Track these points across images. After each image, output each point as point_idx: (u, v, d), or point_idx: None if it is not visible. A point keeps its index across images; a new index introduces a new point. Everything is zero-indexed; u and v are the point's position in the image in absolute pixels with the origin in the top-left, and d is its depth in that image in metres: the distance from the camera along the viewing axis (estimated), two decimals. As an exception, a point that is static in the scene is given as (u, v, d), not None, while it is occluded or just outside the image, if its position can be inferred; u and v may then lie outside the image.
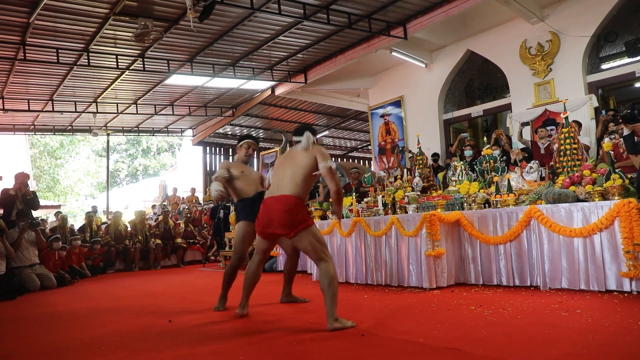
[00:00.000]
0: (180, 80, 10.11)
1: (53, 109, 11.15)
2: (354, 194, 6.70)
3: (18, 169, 8.38)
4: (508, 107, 9.08)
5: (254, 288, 4.08)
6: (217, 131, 14.78)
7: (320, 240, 3.51)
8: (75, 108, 11.43)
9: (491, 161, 5.83)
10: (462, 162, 6.34)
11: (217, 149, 16.47)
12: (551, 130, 7.12)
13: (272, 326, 3.59)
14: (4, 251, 6.55)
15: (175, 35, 7.99)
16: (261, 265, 4.07)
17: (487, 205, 5.16)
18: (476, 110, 9.84)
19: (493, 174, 5.65)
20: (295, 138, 3.74)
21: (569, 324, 3.01)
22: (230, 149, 16.69)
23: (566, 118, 5.19)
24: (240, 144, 4.92)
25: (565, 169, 5.01)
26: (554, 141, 5.87)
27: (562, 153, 5.12)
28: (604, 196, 4.21)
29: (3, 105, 10.59)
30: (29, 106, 10.91)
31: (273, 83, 10.99)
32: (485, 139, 6.83)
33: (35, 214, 7.96)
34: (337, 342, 2.98)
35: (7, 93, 10.14)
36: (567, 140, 5.08)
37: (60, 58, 8.22)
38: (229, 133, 15.70)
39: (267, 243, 3.84)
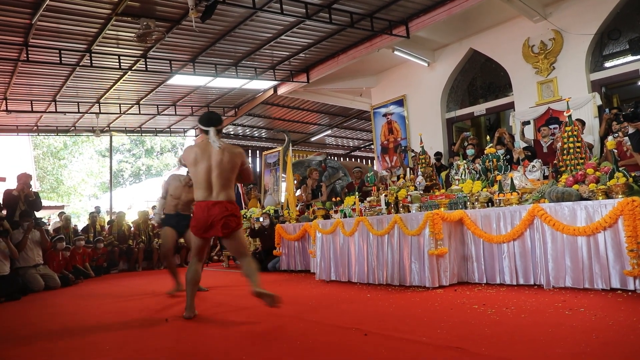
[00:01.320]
0: (182, 80, 10.12)
1: (56, 109, 11.18)
2: (356, 193, 6.70)
3: (22, 170, 8.41)
4: (511, 106, 9.06)
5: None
6: (219, 131, 14.77)
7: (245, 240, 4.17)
8: (78, 109, 11.45)
9: (494, 160, 5.82)
10: (465, 161, 6.33)
11: (220, 148, 16.45)
12: (554, 128, 7.10)
13: (274, 325, 3.60)
14: (8, 252, 6.57)
15: (177, 36, 8.00)
16: (201, 265, 4.26)
17: (490, 204, 5.15)
18: (479, 109, 9.82)
19: (496, 172, 5.64)
20: (202, 127, 3.92)
21: (573, 323, 3.00)
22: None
23: (569, 116, 5.17)
24: None
25: (569, 168, 4.99)
26: (557, 139, 5.85)
27: (565, 151, 5.10)
28: (608, 195, 4.19)
29: (6, 106, 10.62)
30: (32, 107, 10.93)
31: (275, 83, 10.99)
32: (488, 137, 6.81)
33: (39, 214, 7.98)
34: (340, 340, 2.98)
35: (11, 94, 10.17)
36: (571, 139, 5.07)
37: (62, 59, 8.24)
38: (232, 133, 15.70)
39: (203, 241, 4.05)
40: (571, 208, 4.26)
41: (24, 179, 7.70)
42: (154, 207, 12.17)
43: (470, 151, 7.27)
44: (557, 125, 7.11)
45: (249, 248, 3.99)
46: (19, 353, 3.23)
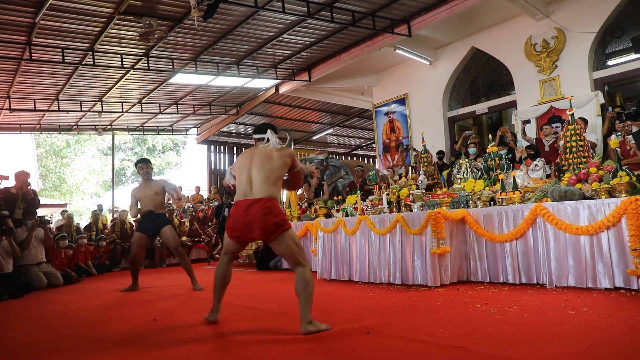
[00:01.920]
0: (184, 79, 10.13)
1: (59, 108, 11.20)
2: (358, 192, 6.69)
3: (25, 168, 8.43)
4: (513, 105, 9.05)
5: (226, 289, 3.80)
6: (221, 130, 14.80)
7: (299, 245, 3.46)
8: (81, 107, 11.47)
9: (496, 159, 5.81)
10: (467, 160, 6.32)
11: (222, 147, 16.50)
12: (556, 127, 7.09)
13: (276, 325, 3.60)
14: (11, 250, 6.59)
15: (179, 34, 8.00)
16: (231, 264, 3.80)
17: (492, 203, 5.14)
18: (481, 107, 9.80)
19: (498, 171, 5.63)
20: (256, 136, 3.66)
21: (576, 322, 2.99)
22: (235, 148, 16.71)
23: (572, 115, 5.16)
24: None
25: (571, 167, 4.98)
26: (560, 138, 5.83)
27: (568, 150, 5.08)
28: (611, 194, 4.18)
29: (10, 104, 10.64)
30: (35, 106, 10.96)
31: (277, 81, 10.99)
32: (490, 136, 6.80)
33: (38, 212, 8.00)
34: (342, 340, 2.98)
35: (14, 93, 10.19)
36: (573, 138, 5.05)
37: (65, 58, 8.25)
38: (234, 132, 15.71)
39: (239, 246, 3.64)
40: (574, 207, 4.25)
41: (22, 177, 7.71)
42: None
43: (472, 150, 7.26)
44: (559, 124, 7.09)
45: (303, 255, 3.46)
46: (22, 350, 3.24)
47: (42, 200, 17.46)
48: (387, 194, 6.03)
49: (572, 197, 4.33)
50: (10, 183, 7.82)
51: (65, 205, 18.59)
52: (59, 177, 26.03)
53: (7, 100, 10.47)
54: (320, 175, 10.02)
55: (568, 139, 5.09)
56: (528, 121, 8.22)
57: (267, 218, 3.30)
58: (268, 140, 3.56)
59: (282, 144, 3.56)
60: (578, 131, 5.07)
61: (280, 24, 8.02)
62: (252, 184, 3.43)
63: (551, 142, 6.96)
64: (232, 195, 11.51)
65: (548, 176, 5.61)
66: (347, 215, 6.38)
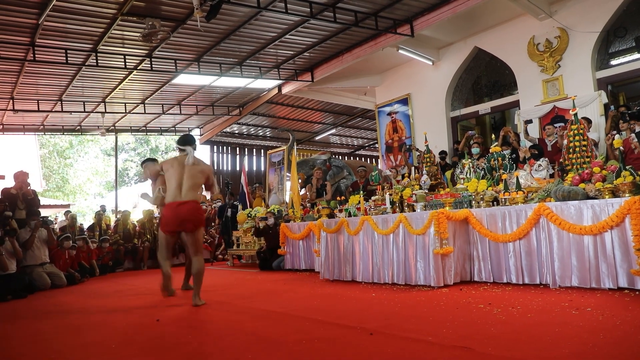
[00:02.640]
0: (187, 79, 10.15)
1: (62, 109, 11.24)
2: (361, 192, 6.69)
3: (28, 169, 8.46)
4: (516, 104, 9.03)
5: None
6: (224, 130, 14.82)
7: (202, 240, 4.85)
8: (84, 108, 11.51)
9: (499, 159, 5.80)
10: (470, 160, 6.31)
11: (225, 147, 16.52)
12: (559, 127, 7.07)
13: (279, 324, 3.60)
14: (13, 251, 6.61)
15: (182, 35, 8.02)
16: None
17: (495, 203, 5.13)
18: (484, 107, 9.79)
19: (501, 171, 5.62)
20: (180, 146, 4.80)
21: (579, 322, 2.99)
22: (238, 148, 16.73)
23: (575, 115, 5.15)
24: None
25: (575, 166, 4.97)
26: (563, 137, 5.82)
27: (571, 150, 5.07)
28: (615, 193, 4.17)
29: (13, 105, 10.68)
30: (38, 106, 11.00)
31: (280, 82, 11.00)
32: (493, 136, 6.79)
33: (43, 213, 8.04)
34: (346, 341, 2.98)
35: (17, 94, 10.23)
36: (577, 137, 5.04)
37: (69, 58, 8.28)
38: (236, 132, 15.73)
39: (171, 238, 4.84)
40: (577, 207, 4.24)
41: (22, 177, 7.71)
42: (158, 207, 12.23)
43: (475, 150, 7.25)
44: (562, 124, 7.08)
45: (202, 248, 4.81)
46: (26, 351, 3.25)
47: (46, 201, 17.52)
48: (390, 194, 6.03)
49: (575, 197, 4.32)
50: (9, 183, 7.81)
51: (68, 205, 18.63)
52: (62, 177, 26.10)
53: (11, 101, 10.52)
54: (322, 176, 10.02)
55: (571, 138, 5.08)
56: (530, 121, 8.21)
57: (197, 215, 4.63)
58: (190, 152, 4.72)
59: (200, 160, 4.81)
60: (581, 131, 5.06)
61: (282, 24, 8.03)
62: (181, 189, 4.58)
63: (554, 141, 6.95)
64: (234, 196, 11.54)
65: (551, 176, 5.60)
66: (350, 215, 6.38)
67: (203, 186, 4.88)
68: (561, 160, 5.41)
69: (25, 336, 3.77)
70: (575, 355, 2.36)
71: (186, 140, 4.84)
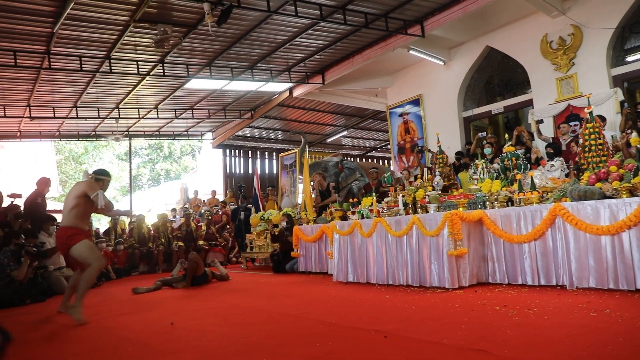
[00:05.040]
0: (199, 84, 10.22)
1: (77, 115, 11.40)
2: (373, 194, 6.68)
3: (45, 174, 8.67)
4: (529, 103, 8.93)
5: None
6: (236, 134, 14.89)
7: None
8: (98, 114, 11.66)
9: (513, 158, 5.74)
10: (483, 160, 6.26)
11: (237, 151, 16.60)
12: (574, 125, 6.97)
13: (292, 327, 3.60)
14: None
15: (194, 40, 8.08)
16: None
17: (510, 203, 5.08)
18: (496, 107, 9.70)
19: (515, 171, 5.57)
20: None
21: (598, 325, 2.94)
22: (250, 151, 16.80)
23: (590, 113, 5.08)
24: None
25: (591, 165, 4.90)
26: (579, 135, 5.74)
27: (587, 149, 5.01)
28: (632, 192, 4.10)
29: (30, 113, 10.85)
30: (54, 113, 11.17)
31: (291, 85, 11.03)
32: (506, 136, 6.72)
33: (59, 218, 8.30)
34: (360, 343, 2.97)
35: (34, 101, 10.39)
36: (592, 136, 4.97)
37: (83, 66, 8.39)
38: (248, 135, 15.80)
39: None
40: (594, 207, 4.18)
41: (46, 182, 8.06)
42: (173, 210, 12.33)
43: (487, 150, 7.19)
44: (577, 122, 6.98)
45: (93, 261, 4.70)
46: (41, 354, 3.29)
47: (62, 206, 17.77)
48: (403, 196, 6.00)
49: (592, 197, 4.26)
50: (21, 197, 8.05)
51: (84, 210, 18.83)
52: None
53: (28, 108, 10.69)
54: (321, 179, 10.00)
55: (587, 137, 5.01)
56: (541, 121, 8.12)
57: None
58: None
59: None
60: (597, 129, 4.99)
61: (293, 27, 8.05)
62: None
63: (568, 140, 6.86)
64: (247, 199, 11.59)
65: (567, 175, 5.52)
66: (362, 217, 6.36)
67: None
68: (577, 159, 5.34)
69: (42, 340, 3.82)
70: (594, 358, 2.32)
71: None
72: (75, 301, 4.57)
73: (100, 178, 5.12)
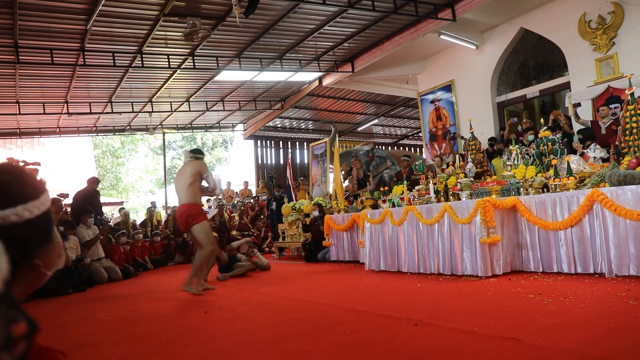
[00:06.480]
0: (229, 76, 10.32)
1: (112, 110, 11.72)
2: (405, 182, 6.60)
3: (84, 169, 9.16)
4: (567, 86, 8.61)
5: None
6: (267, 124, 15.00)
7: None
8: (132, 108, 11.95)
9: (549, 143, 5.56)
10: (517, 146, 6.09)
11: (268, 142, 16.72)
12: (615, 108, 6.69)
13: (324, 315, 3.62)
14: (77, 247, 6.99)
15: (222, 32, 8.15)
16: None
17: (545, 189, 4.94)
18: (532, 91, 9.41)
19: (551, 157, 5.39)
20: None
21: (638, 314, 2.83)
22: (281, 142, 16.89)
23: (632, 94, 4.85)
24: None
25: (632, 149, 4.69)
26: (619, 118, 5.51)
27: (627, 132, 4.80)
28: (676, 176, 3.91)
29: (67, 109, 11.23)
30: (90, 109, 11.51)
31: (320, 74, 10.99)
32: (542, 120, 6.51)
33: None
34: (390, 331, 2.96)
35: (71, 97, 10.74)
36: (633, 118, 4.76)
37: (116, 61, 8.60)
38: (279, 126, 15.88)
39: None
40: (635, 192, 4.00)
41: (95, 181, 9.32)
42: (208, 200, 12.58)
43: (531, 137, 6.97)
44: (618, 105, 6.69)
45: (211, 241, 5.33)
46: (83, 341, 3.42)
47: (101, 199, 18.41)
48: (434, 183, 5.91)
49: (632, 182, 4.08)
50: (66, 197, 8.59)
51: (122, 203, 19.45)
52: (116, 176, 27.30)
53: (65, 105, 11.05)
54: (361, 166, 9.96)
55: (628, 119, 4.80)
56: (579, 104, 7.81)
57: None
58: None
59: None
60: (639, 111, 4.77)
61: (321, 15, 8.00)
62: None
63: (608, 123, 6.59)
64: (281, 188, 11.69)
65: (604, 160, 5.31)
66: (393, 205, 6.31)
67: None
68: (617, 142, 5.13)
69: (84, 327, 3.98)
70: (634, 348, 2.24)
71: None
72: (188, 279, 5.16)
73: (200, 157, 5.41)
